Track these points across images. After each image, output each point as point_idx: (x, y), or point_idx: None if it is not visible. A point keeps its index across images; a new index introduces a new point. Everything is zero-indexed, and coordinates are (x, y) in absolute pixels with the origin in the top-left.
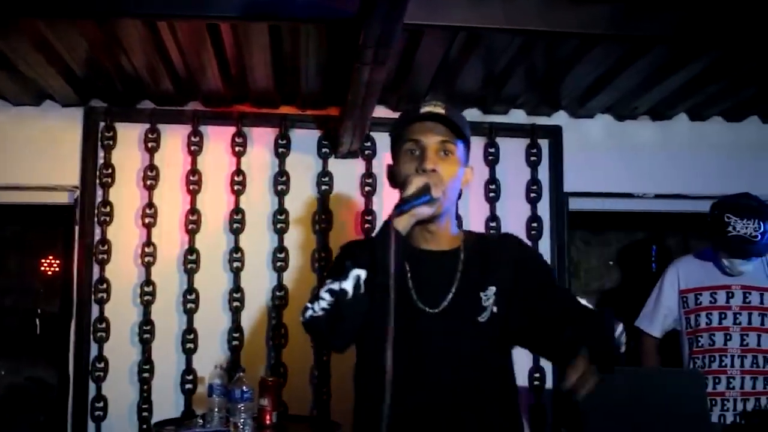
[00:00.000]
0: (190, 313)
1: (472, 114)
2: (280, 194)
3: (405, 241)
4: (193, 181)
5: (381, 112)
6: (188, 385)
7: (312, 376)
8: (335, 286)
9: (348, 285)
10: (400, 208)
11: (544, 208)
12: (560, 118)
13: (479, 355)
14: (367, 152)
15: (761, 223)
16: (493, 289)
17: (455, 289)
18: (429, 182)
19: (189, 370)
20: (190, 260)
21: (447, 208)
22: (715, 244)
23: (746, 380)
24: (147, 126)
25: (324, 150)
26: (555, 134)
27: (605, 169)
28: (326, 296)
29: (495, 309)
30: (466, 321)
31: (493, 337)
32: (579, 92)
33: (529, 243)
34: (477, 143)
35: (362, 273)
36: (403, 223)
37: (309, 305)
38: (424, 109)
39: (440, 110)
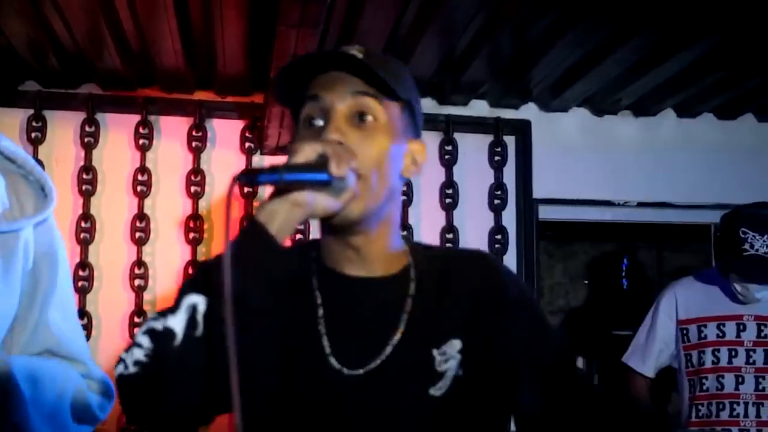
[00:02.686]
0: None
1: (425, 105)
2: (195, 197)
3: (317, 260)
4: (87, 180)
5: None
6: None
7: None
8: (158, 324)
9: (176, 322)
10: (258, 176)
11: (509, 218)
12: (529, 111)
13: None
14: None
15: None
16: (456, 343)
17: (396, 341)
18: (327, 151)
19: None
20: (82, 277)
21: (379, 208)
22: (725, 264)
23: None
24: (30, 112)
25: (248, 144)
26: (523, 130)
27: (580, 172)
28: (144, 341)
29: (460, 372)
30: (410, 393)
31: (454, 420)
32: (552, 81)
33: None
34: (432, 139)
35: (200, 301)
36: (277, 218)
37: (121, 357)
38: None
39: (356, 53)
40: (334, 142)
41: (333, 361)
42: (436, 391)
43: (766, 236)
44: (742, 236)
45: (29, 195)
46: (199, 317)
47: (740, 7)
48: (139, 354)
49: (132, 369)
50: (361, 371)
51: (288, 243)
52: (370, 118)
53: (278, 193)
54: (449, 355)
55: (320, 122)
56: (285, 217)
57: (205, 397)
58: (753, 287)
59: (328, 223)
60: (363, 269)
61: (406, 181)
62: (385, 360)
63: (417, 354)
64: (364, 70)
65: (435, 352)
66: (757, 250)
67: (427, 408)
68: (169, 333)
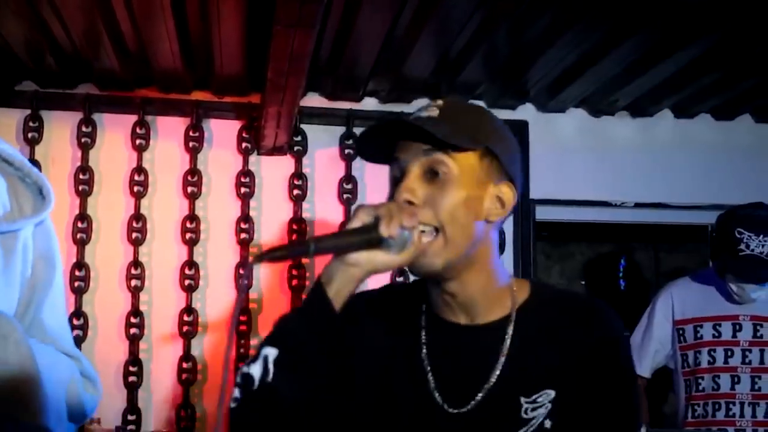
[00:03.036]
0: (76, 342)
1: (422, 105)
2: (192, 197)
3: (428, 309)
4: (83, 181)
5: (314, 101)
6: None
7: None
8: (245, 368)
9: (255, 369)
10: (267, 255)
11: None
12: (526, 111)
13: None
14: (296, 148)
15: None
16: (550, 393)
17: (489, 386)
18: (380, 213)
19: None
20: (78, 277)
21: (461, 255)
22: (721, 264)
23: None
24: (27, 112)
25: (245, 144)
26: (520, 131)
27: (577, 172)
28: (239, 380)
29: (548, 424)
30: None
31: None
32: (548, 81)
33: None
34: None
35: (272, 352)
36: (335, 278)
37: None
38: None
39: (426, 113)
40: (404, 201)
41: (438, 397)
42: None
43: (761, 236)
44: (738, 236)
45: (27, 197)
46: (270, 365)
47: (737, 8)
48: (236, 392)
49: (232, 404)
50: (462, 410)
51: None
52: (442, 172)
53: (337, 255)
54: (539, 404)
55: (399, 178)
56: (343, 277)
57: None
58: (749, 287)
59: (415, 274)
60: (462, 314)
61: (500, 227)
62: (479, 402)
63: (506, 400)
64: (423, 132)
65: (523, 399)
66: (752, 250)
67: None
68: (250, 378)
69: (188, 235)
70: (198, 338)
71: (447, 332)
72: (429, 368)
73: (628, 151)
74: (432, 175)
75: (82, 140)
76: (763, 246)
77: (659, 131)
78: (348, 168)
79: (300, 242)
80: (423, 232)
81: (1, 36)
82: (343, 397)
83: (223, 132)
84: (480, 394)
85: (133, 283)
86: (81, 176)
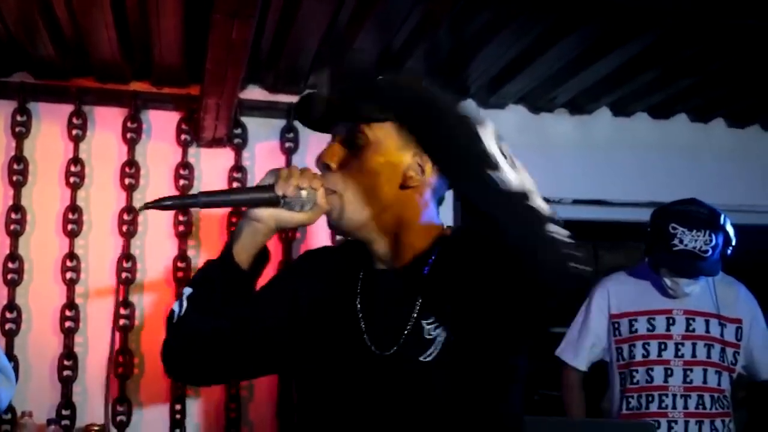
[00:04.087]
0: (9, 336)
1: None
2: (129, 189)
3: (367, 261)
4: (18, 171)
5: (255, 93)
6: (6, 425)
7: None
8: (173, 305)
9: (176, 305)
10: (156, 203)
11: (446, 214)
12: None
13: (430, 418)
14: (236, 140)
15: (713, 235)
16: (446, 311)
17: (409, 328)
18: (282, 174)
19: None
20: (12, 269)
21: (369, 218)
22: (655, 259)
23: (691, 425)
24: None
25: (184, 136)
26: None
27: None
28: (168, 315)
29: (443, 337)
30: (405, 364)
31: (447, 381)
32: (488, 78)
33: None
34: None
35: (188, 291)
36: (241, 233)
37: None
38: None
39: (356, 84)
40: (321, 164)
41: (367, 340)
42: (426, 357)
43: (695, 231)
44: (672, 232)
45: None
46: (184, 302)
47: (673, 8)
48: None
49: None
50: (387, 353)
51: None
52: (360, 140)
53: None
54: (437, 323)
55: None
56: (248, 231)
57: (208, 359)
58: (683, 282)
59: (336, 233)
60: (388, 264)
61: (439, 192)
62: (402, 345)
63: (417, 329)
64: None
65: (423, 322)
66: (686, 245)
67: (420, 374)
68: (172, 312)
69: (125, 227)
70: (135, 332)
71: (376, 281)
72: (361, 315)
73: (566, 148)
74: (351, 142)
75: (17, 129)
76: (696, 241)
77: (597, 129)
78: (288, 161)
79: (191, 194)
80: (334, 194)
81: None
82: (252, 337)
83: (161, 123)
84: (402, 338)
85: (69, 275)
86: (15, 166)
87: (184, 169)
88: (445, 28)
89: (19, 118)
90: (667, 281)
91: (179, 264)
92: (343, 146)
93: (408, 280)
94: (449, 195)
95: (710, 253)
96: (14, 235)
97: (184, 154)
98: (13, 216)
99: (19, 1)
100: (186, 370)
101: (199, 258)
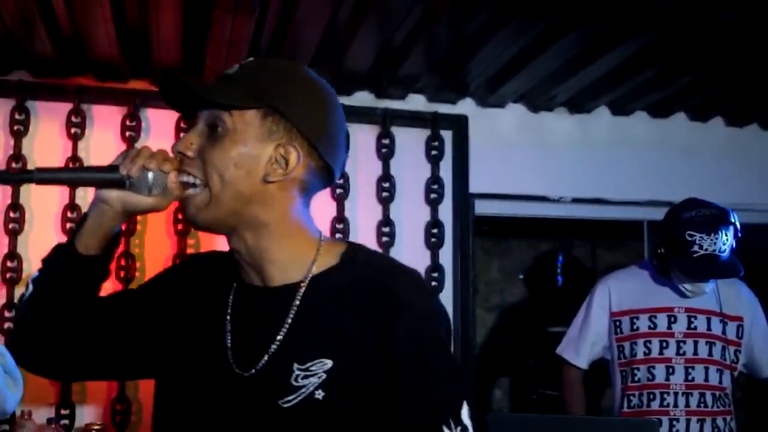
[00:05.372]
0: (8, 335)
1: (363, 98)
2: None
3: (234, 267)
4: (16, 169)
5: None
6: (4, 425)
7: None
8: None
9: (27, 288)
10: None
11: (446, 212)
12: (467, 106)
13: None
14: None
15: (727, 233)
16: (326, 363)
17: (272, 350)
18: (129, 153)
19: None
20: (10, 268)
21: (232, 212)
22: (676, 267)
23: (692, 423)
24: None
25: (183, 134)
26: (460, 125)
27: (517, 167)
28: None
29: (319, 395)
30: (265, 402)
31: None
32: (488, 76)
33: (428, 256)
34: (368, 132)
35: (35, 274)
36: (88, 218)
37: None
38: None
39: (229, 71)
40: (177, 151)
41: (230, 358)
42: (285, 403)
43: (712, 234)
44: (689, 239)
45: None
46: (30, 284)
47: (672, 7)
48: None
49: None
50: (246, 374)
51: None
52: (219, 128)
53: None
54: (312, 373)
55: None
56: (96, 213)
57: (48, 347)
58: (702, 285)
59: (193, 227)
60: (256, 276)
61: (311, 190)
62: (261, 367)
63: (283, 366)
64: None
65: (296, 366)
66: (706, 250)
67: (275, 418)
68: (23, 294)
69: (123, 226)
70: None
71: (246, 295)
72: (229, 330)
73: (566, 146)
74: (211, 130)
75: (15, 128)
76: (715, 243)
77: (596, 128)
78: None
79: (27, 170)
80: (191, 184)
81: None
82: (104, 333)
83: (160, 121)
84: (263, 360)
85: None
86: (13, 165)
87: None
88: (445, 26)
89: (17, 116)
90: (687, 285)
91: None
92: (202, 134)
93: (279, 299)
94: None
95: (728, 250)
96: (13, 234)
97: None
98: (11, 215)
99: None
100: (31, 359)
101: None
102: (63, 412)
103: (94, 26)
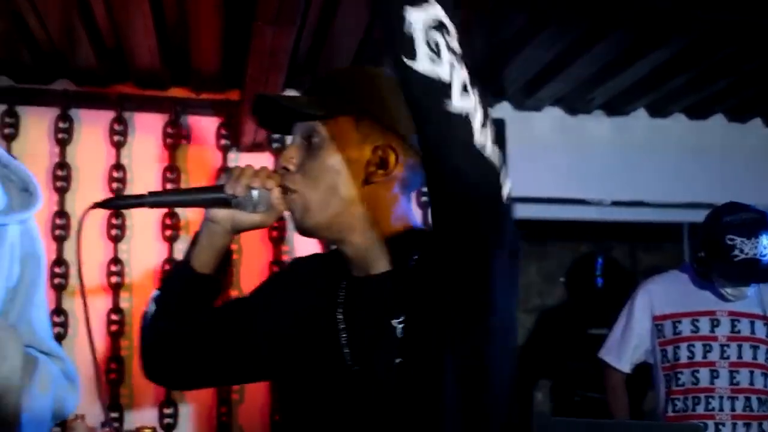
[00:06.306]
0: (57, 339)
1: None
2: None
3: (344, 264)
4: (61, 177)
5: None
6: (56, 428)
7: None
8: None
9: (150, 306)
10: (106, 203)
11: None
12: (503, 110)
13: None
14: (275, 145)
15: (765, 234)
16: (400, 319)
17: (385, 342)
18: (233, 174)
19: None
20: (58, 273)
21: (332, 216)
22: (716, 271)
23: (738, 427)
24: (3, 108)
25: (224, 141)
26: (497, 128)
27: (555, 170)
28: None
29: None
30: (383, 371)
31: (404, 402)
32: (525, 80)
33: None
34: None
35: (156, 292)
36: (201, 236)
37: None
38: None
39: (314, 85)
40: (280, 167)
41: (346, 353)
42: (399, 359)
43: (753, 238)
44: (730, 243)
45: (15, 194)
46: (152, 303)
47: (708, 9)
48: None
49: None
50: (361, 367)
51: None
52: (315, 139)
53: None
54: (398, 330)
55: None
56: (207, 233)
57: (176, 361)
58: (744, 289)
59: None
60: (364, 270)
61: (410, 187)
62: (375, 358)
63: (387, 332)
64: (282, 107)
65: (394, 321)
66: (747, 254)
67: (390, 381)
68: (146, 313)
69: (167, 232)
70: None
71: (355, 288)
72: (342, 326)
73: (604, 149)
74: (308, 142)
75: (59, 136)
76: (756, 247)
77: (634, 130)
78: None
79: (140, 195)
80: (295, 194)
81: None
82: (225, 342)
83: (201, 128)
84: (377, 352)
85: (113, 279)
86: (59, 172)
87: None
88: (481, 32)
89: (61, 124)
90: (728, 288)
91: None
92: (301, 147)
93: (387, 287)
94: None
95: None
96: (59, 241)
97: (224, 158)
98: (57, 221)
99: (61, 10)
100: (158, 372)
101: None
102: (112, 414)
103: (136, 35)
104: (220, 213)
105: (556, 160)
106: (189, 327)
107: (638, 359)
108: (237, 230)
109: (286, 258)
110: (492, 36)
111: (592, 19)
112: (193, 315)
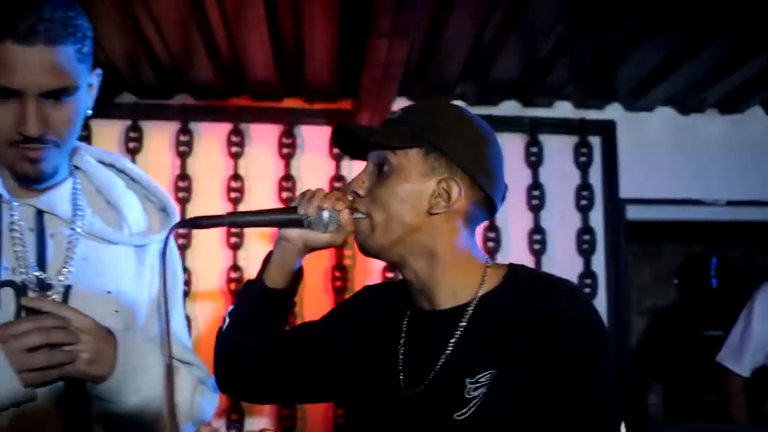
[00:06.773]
0: None
1: (510, 107)
2: (287, 202)
3: (407, 295)
4: (182, 188)
5: (403, 105)
6: None
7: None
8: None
9: (226, 320)
10: (187, 223)
11: (596, 218)
12: (614, 111)
13: None
14: None
15: None
16: (490, 373)
17: (438, 368)
18: (304, 198)
19: None
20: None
21: (395, 242)
22: None
23: None
24: (127, 123)
25: (336, 150)
26: (608, 130)
27: (667, 171)
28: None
29: (482, 401)
30: (437, 417)
31: None
32: (636, 81)
33: (580, 263)
34: (517, 141)
35: (231, 307)
36: (275, 254)
37: None
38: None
39: (392, 116)
40: (350, 191)
41: (402, 378)
42: (459, 416)
43: None
44: None
45: (154, 214)
46: (227, 317)
47: None
48: None
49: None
50: (413, 391)
51: None
52: (386, 167)
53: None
54: (482, 384)
55: None
56: (280, 251)
57: (249, 375)
58: None
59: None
60: (425, 300)
61: (475, 220)
62: (427, 385)
63: (451, 382)
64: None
65: (467, 380)
66: None
67: (449, 430)
68: (221, 328)
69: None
70: None
71: (418, 319)
72: (401, 353)
73: (718, 148)
74: (379, 170)
75: (180, 149)
76: None
77: (750, 127)
78: None
79: (219, 215)
80: (363, 217)
81: (103, 50)
82: (295, 361)
83: (314, 138)
84: (429, 377)
85: (231, 287)
86: (180, 184)
87: (338, 182)
88: (589, 36)
89: (182, 137)
90: None
91: (336, 274)
92: (372, 174)
93: (448, 320)
94: None
95: None
96: (181, 249)
97: (338, 167)
98: (180, 231)
99: (182, 28)
100: (230, 384)
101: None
102: (233, 417)
103: (251, 49)
104: (294, 232)
105: (669, 160)
106: (260, 341)
107: (758, 363)
108: (308, 249)
109: (348, 263)
110: (600, 40)
111: (700, 21)
112: (265, 330)
